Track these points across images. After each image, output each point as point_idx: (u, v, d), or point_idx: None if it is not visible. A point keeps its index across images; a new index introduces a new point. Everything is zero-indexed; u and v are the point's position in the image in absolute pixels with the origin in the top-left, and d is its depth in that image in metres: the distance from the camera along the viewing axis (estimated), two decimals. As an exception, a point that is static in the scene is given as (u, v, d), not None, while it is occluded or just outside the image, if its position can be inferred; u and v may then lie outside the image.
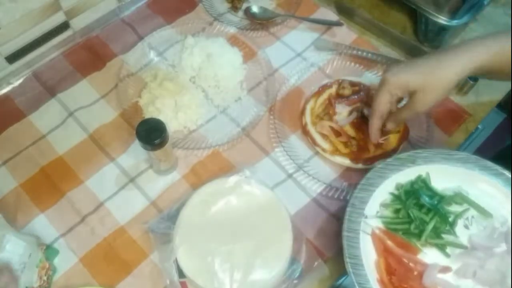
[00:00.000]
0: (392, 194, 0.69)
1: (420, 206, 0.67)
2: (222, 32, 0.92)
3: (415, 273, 0.63)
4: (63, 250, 0.72)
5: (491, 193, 0.67)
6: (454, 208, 0.67)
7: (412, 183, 0.69)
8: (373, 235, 0.66)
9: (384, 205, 0.68)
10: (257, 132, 0.82)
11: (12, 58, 0.85)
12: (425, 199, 0.66)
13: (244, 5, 0.97)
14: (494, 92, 0.86)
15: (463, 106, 0.84)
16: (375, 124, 0.72)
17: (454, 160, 0.69)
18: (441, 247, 0.65)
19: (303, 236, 0.71)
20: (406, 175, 0.69)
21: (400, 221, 0.67)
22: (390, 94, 0.69)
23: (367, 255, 0.63)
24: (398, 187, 0.69)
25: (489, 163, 0.68)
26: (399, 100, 0.72)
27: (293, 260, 0.68)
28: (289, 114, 0.84)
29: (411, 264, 0.64)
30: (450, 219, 0.66)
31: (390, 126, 0.73)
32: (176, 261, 0.66)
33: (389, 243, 0.65)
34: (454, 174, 0.69)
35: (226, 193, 0.71)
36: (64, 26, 0.88)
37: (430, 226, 0.65)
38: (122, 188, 0.77)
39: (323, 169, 0.78)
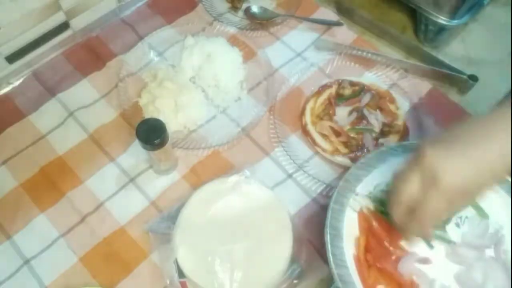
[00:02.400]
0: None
1: None
2: (222, 32, 0.92)
3: (393, 257, 0.63)
4: (63, 250, 0.72)
5: (490, 197, 0.65)
6: None
7: None
8: (360, 213, 0.66)
9: (378, 188, 0.67)
10: (257, 132, 0.82)
11: (12, 58, 0.85)
12: None
13: (244, 5, 0.97)
14: (494, 92, 0.86)
15: (463, 106, 0.84)
16: (398, 214, 0.55)
17: None
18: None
19: (303, 236, 0.71)
20: None
21: None
22: (449, 202, 0.50)
23: (349, 230, 0.64)
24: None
25: None
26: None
27: (293, 260, 0.68)
28: (289, 114, 0.83)
29: (391, 248, 0.64)
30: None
31: (412, 240, 0.59)
32: (176, 261, 0.66)
33: (375, 224, 0.65)
34: None
35: (226, 193, 0.71)
36: (64, 26, 0.88)
37: None
38: (122, 188, 0.77)
39: (323, 169, 0.78)
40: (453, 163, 0.49)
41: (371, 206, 0.67)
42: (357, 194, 0.66)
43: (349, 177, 0.67)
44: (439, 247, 0.64)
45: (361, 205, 0.66)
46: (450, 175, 0.48)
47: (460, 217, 0.66)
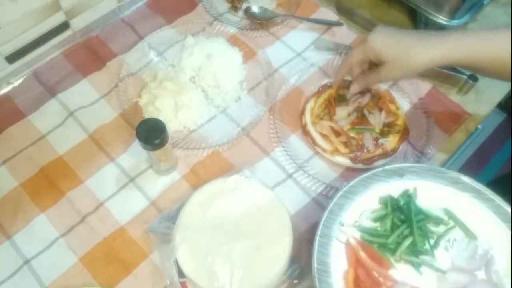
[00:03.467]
0: (380, 199, 0.67)
1: (402, 221, 0.65)
2: (222, 32, 0.92)
3: None
4: (63, 250, 0.72)
5: (478, 218, 0.65)
6: (437, 228, 0.65)
7: (400, 198, 0.67)
8: (347, 244, 0.64)
9: (364, 215, 0.66)
10: (257, 132, 0.82)
11: (12, 58, 0.85)
12: (411, 214, 0.65)
13: (244, 5, 0.97)
14: (494, 92, 0.86)
15: (463, 106, 0.84)
16: (341, 71, 0.77)
17: (445, 179, 0.67)
18: (416, 265, 0.63)
19: (303, 236, 0.71)
20: (392, 188, 0.67)
21: (378, 234, 0.65)
22: (363, 54, 0.71)
23: (337, 263, 0.62)
24: (381, 200, 0.67)
25: (481, 187, 0.66)
26: (371, 64, 0.74)
27: (293, 260, 0.68)
28: (289, 114, 0.84)
29: (380, 279, 0.62)
30: (432, 240, 0.64)
31: (353, 88, 0.76)
32: (176, 261, 0.66)
33: (362, 254, 0.64)
34: (443, 193, 0.67)
35: (226, 193, 0.71)
36: (64, 26, 0.88)
37: (407, 243, 0.63)
38: (122, 188, 0.77)
39: (323, 169, 0.78)
40: (377, 38, 0.70)
41: (357, 235, 0.65)
42: (342, 225, 0.65)
43: (333, 208, 0.65)
44: (430, 274, 0.63)
45: (347, 236, 0.64)
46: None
47: (449, 240, 0.64)
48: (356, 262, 0.63)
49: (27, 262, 0.71)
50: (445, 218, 0.66)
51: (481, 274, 0.62)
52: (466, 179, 0.67)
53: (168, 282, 0.67)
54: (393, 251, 0.63)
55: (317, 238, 0.63)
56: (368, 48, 0.70)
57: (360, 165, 0.77)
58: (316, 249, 0.62)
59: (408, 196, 0.67)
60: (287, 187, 0.77)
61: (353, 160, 0.77)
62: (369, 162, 0.76)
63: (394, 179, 0.67)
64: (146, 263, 0.71)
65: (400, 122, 0.80)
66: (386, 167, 0.68)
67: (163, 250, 0.68)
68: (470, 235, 0.64)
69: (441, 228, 0.65)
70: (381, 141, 0.78)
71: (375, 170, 0.68)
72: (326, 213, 0.65)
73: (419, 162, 0.77)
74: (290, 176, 0.78)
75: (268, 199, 0.71)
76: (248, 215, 0.69)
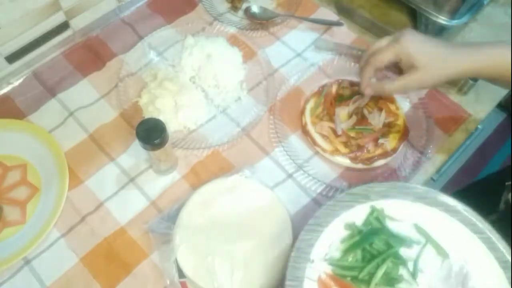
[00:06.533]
0: (345, 226, 0.63)
1: (373, 252, 0.62)
2: (222, 32, 0.92)
3: None
4: (64, 250, 0.72)
5: (448, 231, 0.62)
6: (411, 251, 0.62)
7: (367, 223, 0.63)
8: (319, 281, 0.60)
9: (333, 247, 0.62)
10: (257, 132, 0.82)
11: (12, 58, 0.85)
12: (379, 243, 0.62)
13: (244, 5, 0.97)
14: (494, 92, 0.86)
15: (463, 106, 0.84)
16: (367, 72, 0.73)
17: (411, 195, 0.64)
18: None
19: (303, 236, 0.71)
20: (358, 212, 0.63)
21: (349, 267, 0.61)
22: (394, 56, 0.69)
23: None
24: (348, 227, 0.63)
25: (449, 199, 0.63)
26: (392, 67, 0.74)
27: (293, 260, 0.68)
28: (289, 114, 0.84)
29: None
30: (411, 267, 0.61)
31: (368, 90, 0.74)
32: (176, 261, 0.66)
33: None
34: (411, 210, 0.64)
35: (226, 193, 0.71)
36: (64, 26, 0.88)
37: (381, 273, 0.60)
38: (122, 188, 0.77)
39: (323, 169, 0.79)
40: (413, 41, 0.68)
41: (329, 269, 0.61)
42: (312, 261, 0.60)
43: (300, 245, 0.60)
44: None
45: (319, 272, 0.60)
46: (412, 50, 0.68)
47: (423, 260, 0.61)
48: None
49: (28, 262, 0.71)
50: (416, 235, 0.63)
51: None
52: (432, 193, 0.64)
53: (168, 282, 0.67)
54: (368, 283, 0.60)
55: (288, 282, 0.57)
56: (402, 50, 0.67)
57: (360, 165, 0.77)
58: None
59: (375, 219, 0.63)
60: (287, 187, 0.77)
61: (353, 160, 0.77)
62: (369, 162, 0.76)
63: (359, 202, 0.64)
64: (146, 263, 0.71)
65: (400, 122, 0.80)
66: (350, 190, 0.65)
67: (163, 250, 0.68)
68: (441, 252, 0.62)
69: (415, 250, 0.62)
70: (381, 141, 0.78)
71: (339, 196, 0.64)
72: (293, 253, 0.59)
73: (419, 162, 0.77)
74: (290, 176, 0.78)
75: (268, 199, 0.71)
76: (248, 215, 0.69)
